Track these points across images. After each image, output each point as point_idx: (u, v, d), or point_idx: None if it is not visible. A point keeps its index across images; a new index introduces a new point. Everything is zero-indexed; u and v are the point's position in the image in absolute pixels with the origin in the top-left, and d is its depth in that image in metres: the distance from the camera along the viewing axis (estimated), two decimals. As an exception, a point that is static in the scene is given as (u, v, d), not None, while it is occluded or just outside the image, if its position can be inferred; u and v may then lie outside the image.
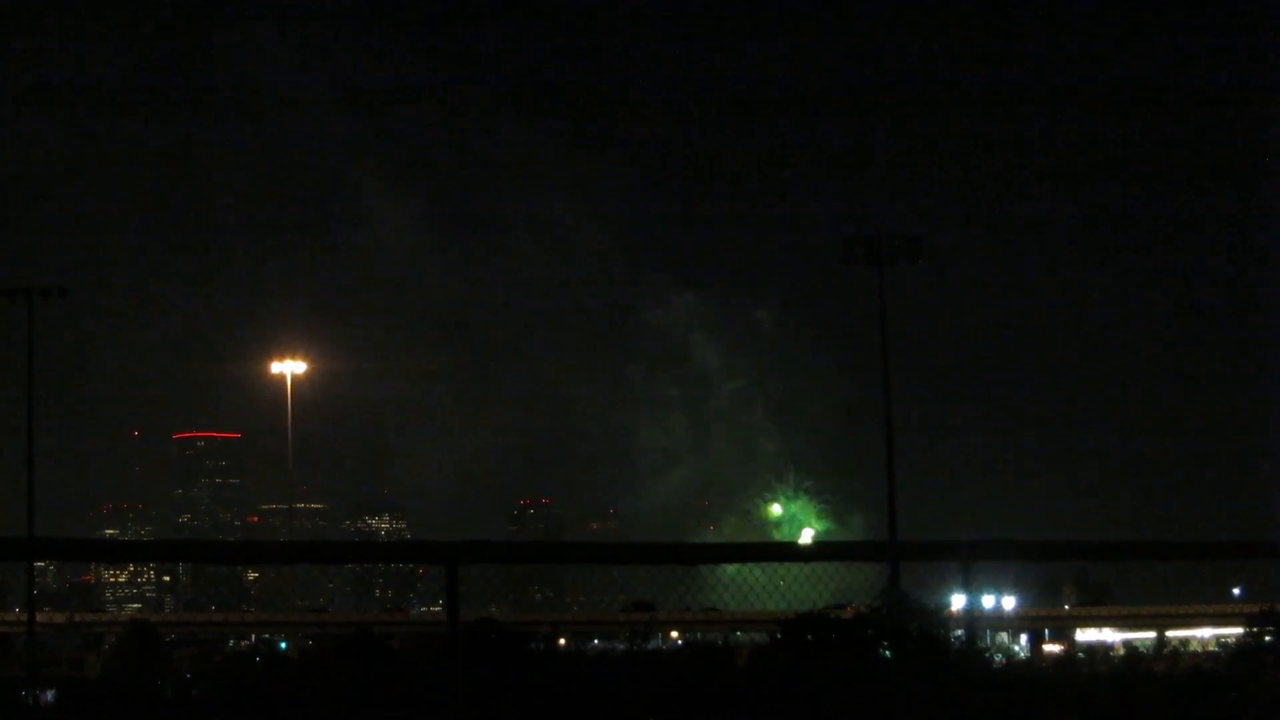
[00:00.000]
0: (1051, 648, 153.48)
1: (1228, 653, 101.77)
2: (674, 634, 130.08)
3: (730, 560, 25.64)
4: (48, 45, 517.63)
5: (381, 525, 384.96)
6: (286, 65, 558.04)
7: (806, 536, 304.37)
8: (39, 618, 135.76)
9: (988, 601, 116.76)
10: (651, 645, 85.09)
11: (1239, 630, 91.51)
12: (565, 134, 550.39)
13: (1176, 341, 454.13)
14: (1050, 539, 33.53)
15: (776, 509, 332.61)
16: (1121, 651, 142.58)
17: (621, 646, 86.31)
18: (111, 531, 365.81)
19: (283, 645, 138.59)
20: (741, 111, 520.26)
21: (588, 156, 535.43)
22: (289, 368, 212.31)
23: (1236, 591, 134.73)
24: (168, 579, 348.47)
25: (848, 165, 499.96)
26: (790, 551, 25.44)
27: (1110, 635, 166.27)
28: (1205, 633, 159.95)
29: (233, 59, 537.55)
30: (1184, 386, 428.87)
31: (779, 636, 69.12)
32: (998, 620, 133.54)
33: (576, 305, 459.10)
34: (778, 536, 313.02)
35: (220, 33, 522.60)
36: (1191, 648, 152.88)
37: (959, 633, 61.32)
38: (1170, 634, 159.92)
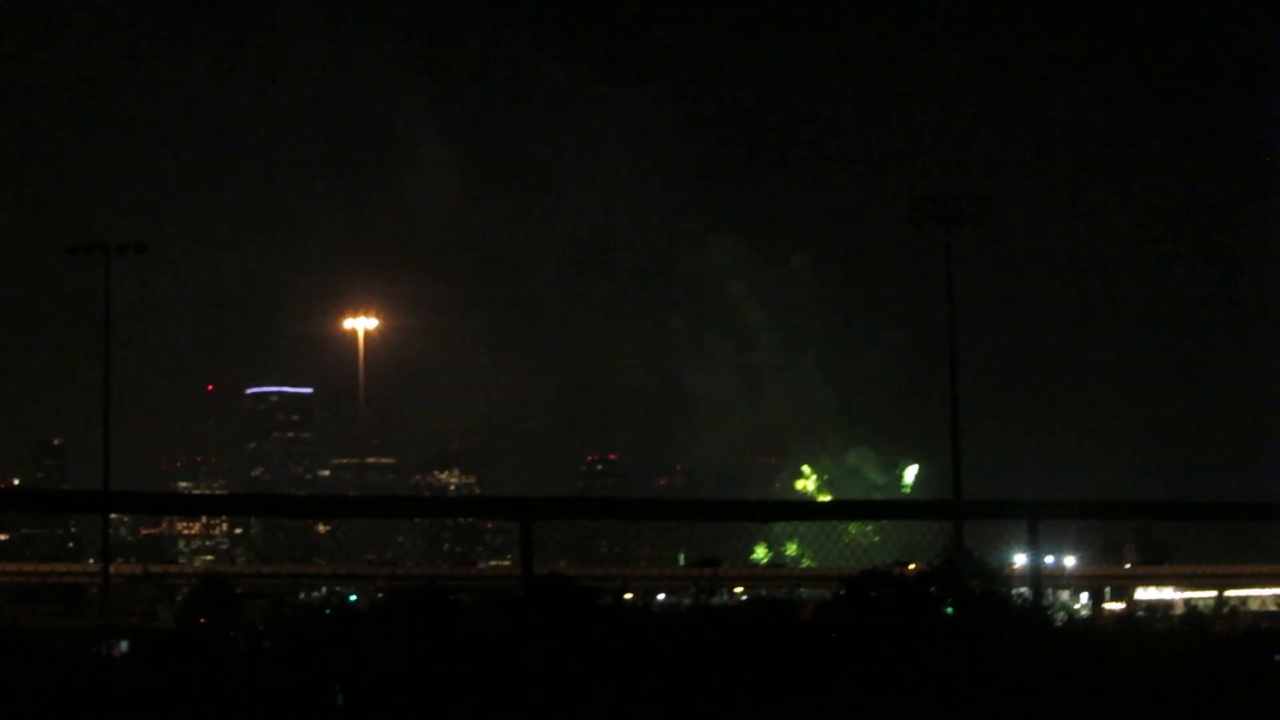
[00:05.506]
0: (1112, 606, 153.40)
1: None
2: (739, 590, 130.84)
3: (796, 518, 26.10)
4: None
5: (451, 480, 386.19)
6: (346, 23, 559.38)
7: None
8: (113, 569, 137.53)
9: (1047, 560, 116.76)
10: (717, 600, 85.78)
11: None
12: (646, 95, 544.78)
13: (1251, 301, 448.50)
14: (1116, 499, 33.70)
15: (806, 469, 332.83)
16: (1181, 610, 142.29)
17: (688, 602, 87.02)
18: (185, 485, 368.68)
19: (353, 598, 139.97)
20: (800, 64, 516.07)
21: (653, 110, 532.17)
22: (360, 323, 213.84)
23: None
24: (240, 531, 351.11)
25: (908, 117, 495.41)
26: (856, 509, 25.94)
27: (1170, 594, 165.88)
28: (1265, 592, 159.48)
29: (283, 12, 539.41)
30: (1257, 347, 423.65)
31: (842, 593, 69.60)
32: (1057, 578, 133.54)
33: (627, 256, 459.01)
34: (845, 493, 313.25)
35: None
36: (1251, 607, 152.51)
37: (1023, 590, 61.71)
38: (1230, 593, 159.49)
